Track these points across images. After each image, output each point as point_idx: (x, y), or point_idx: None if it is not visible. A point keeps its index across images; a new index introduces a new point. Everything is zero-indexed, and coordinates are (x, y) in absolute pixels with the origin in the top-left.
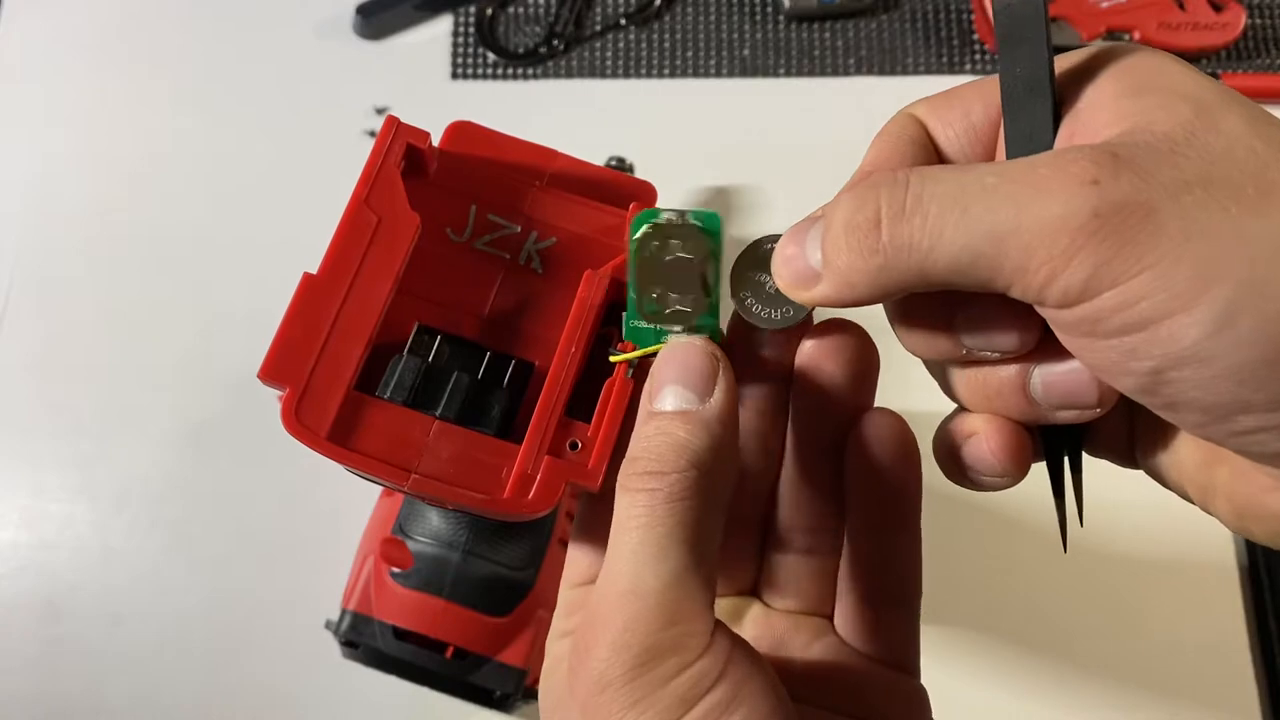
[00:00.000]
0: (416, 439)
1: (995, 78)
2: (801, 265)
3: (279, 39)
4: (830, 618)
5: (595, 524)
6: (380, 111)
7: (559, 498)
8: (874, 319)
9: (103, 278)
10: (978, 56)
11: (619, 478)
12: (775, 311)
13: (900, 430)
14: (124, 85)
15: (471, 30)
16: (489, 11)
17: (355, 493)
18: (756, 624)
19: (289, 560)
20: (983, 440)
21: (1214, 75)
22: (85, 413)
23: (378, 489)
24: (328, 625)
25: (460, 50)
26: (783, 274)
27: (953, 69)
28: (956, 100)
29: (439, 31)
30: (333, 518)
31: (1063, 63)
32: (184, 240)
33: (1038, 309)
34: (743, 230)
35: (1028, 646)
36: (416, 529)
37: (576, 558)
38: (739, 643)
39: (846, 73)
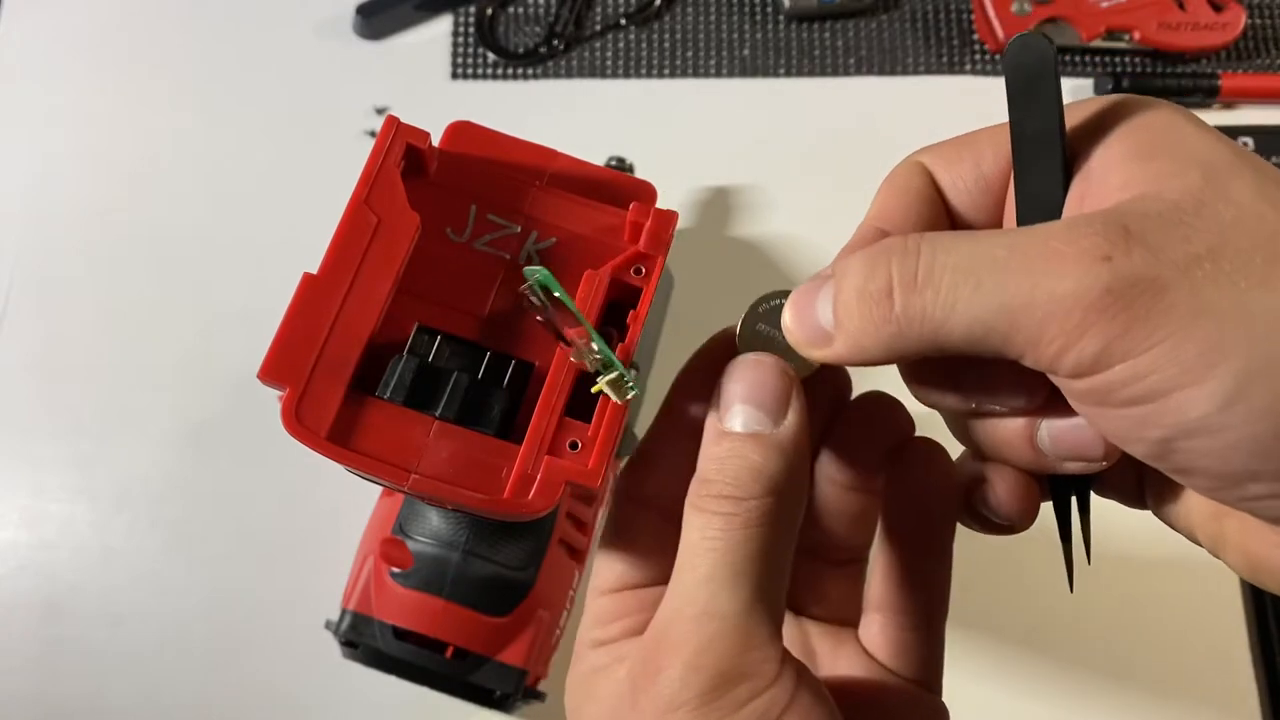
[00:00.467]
0: (416, 439)
1: (1006, 125)
2: (813, 326)
3: (279, 39)
4: (854, 626)
5: (628, 530)
6: (380, 111)
7: (559, 498)
8: None
9: (103, 278)
10: (978, 56)
11: (690, 497)
12: (789, 366)
13: (943, 462)
14: (124, 85)
15: (471, 30)
16: (489, 11)
17: (355, 493)
18: (786, 629)
19: (289, 560)
20: (990, 488)
21: (1214, 75)
22: (85, 413)
23: (378, 489)
24: (328, 625)
25: (460, 50)
26: (795, 333)
27: (953, 69)
28: (967, 150)
29: (439, 31)
30: (333, 518)
31: (1074, 114)
32: (184, 240)
33: (1049, 376)
34: (743, 230)
35: (1027, 646)
36: (416, 529)
37: (609, 565)
38: (805, 671)
39: (846, 73)
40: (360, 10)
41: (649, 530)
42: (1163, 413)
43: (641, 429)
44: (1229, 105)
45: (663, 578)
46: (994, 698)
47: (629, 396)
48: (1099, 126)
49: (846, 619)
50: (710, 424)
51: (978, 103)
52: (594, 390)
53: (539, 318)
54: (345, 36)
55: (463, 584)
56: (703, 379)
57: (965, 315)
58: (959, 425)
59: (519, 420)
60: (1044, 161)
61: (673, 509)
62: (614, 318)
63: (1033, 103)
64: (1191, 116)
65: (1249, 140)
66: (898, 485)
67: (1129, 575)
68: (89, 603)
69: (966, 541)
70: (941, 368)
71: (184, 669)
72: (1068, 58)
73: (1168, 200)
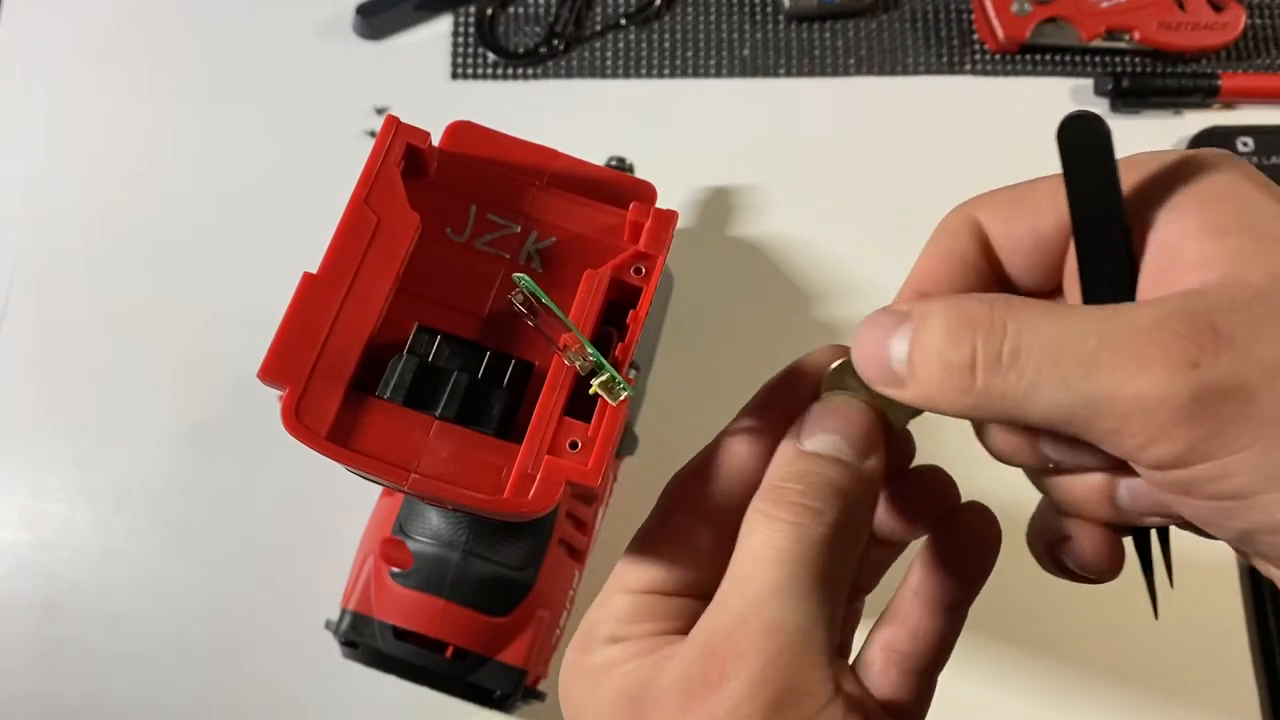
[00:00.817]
0: (416, 439)
1: (1056, 181)
2: (884, 365)
3: (279, 39)
4: (844, 657)
5: (670, 535)
6: (380, 111)
7: (559, 497)
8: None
9: (103, 278)
10: (978, 56)
11: (758, 503)
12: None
13: (994, 532)
14: (124, 85)
15: (471, 30)
16: (489, 11)
17: (355, 493)
18: None
19: (289, 560)
20: (1075, 543)
21: (1214, 75)
22: (85, 413)
23: (378, 489)
24: (328, 625)
25: (460, 50)
26: (867, 370)
27: (953, 69)
28: (1026, 206)
29: (439, 31)
30: (333, 518)
31: (1136, 171)
32: (184, 240)
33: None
34: (743, 230)
35: (1027, 646)
36: (416, 529)
37: (641, 565)
38: (855, 694)
39: (846, 73)
40: (360, 10)
41: (692, 538)
42: (1246, 509)
43: (643, 428)
44: (1229, 105)
45: (695, 589)
46: (992, 697)
47: (621, 398)
48: (1166, 189)
49: (841, 650)
50: (787, 445)
51: (978, 103)
52: (591, 392)
53: (530, 323)
54: (345, 36)
55: (463, 584)
56: (780, 399)
57: (1047, 401)
58: (1035, 477)
59: (519, 420)
60: (1105, 236)
61: (722, 521)
62: (614, 318)
63: (1089, 179)
64: (1262, 180)
65: (1249, 140)
66: (942, 543)
67: (1128, 574)
68: (89, 603)
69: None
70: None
71: (184, 669)
72: (1067, 58)
73: (1253, 287)
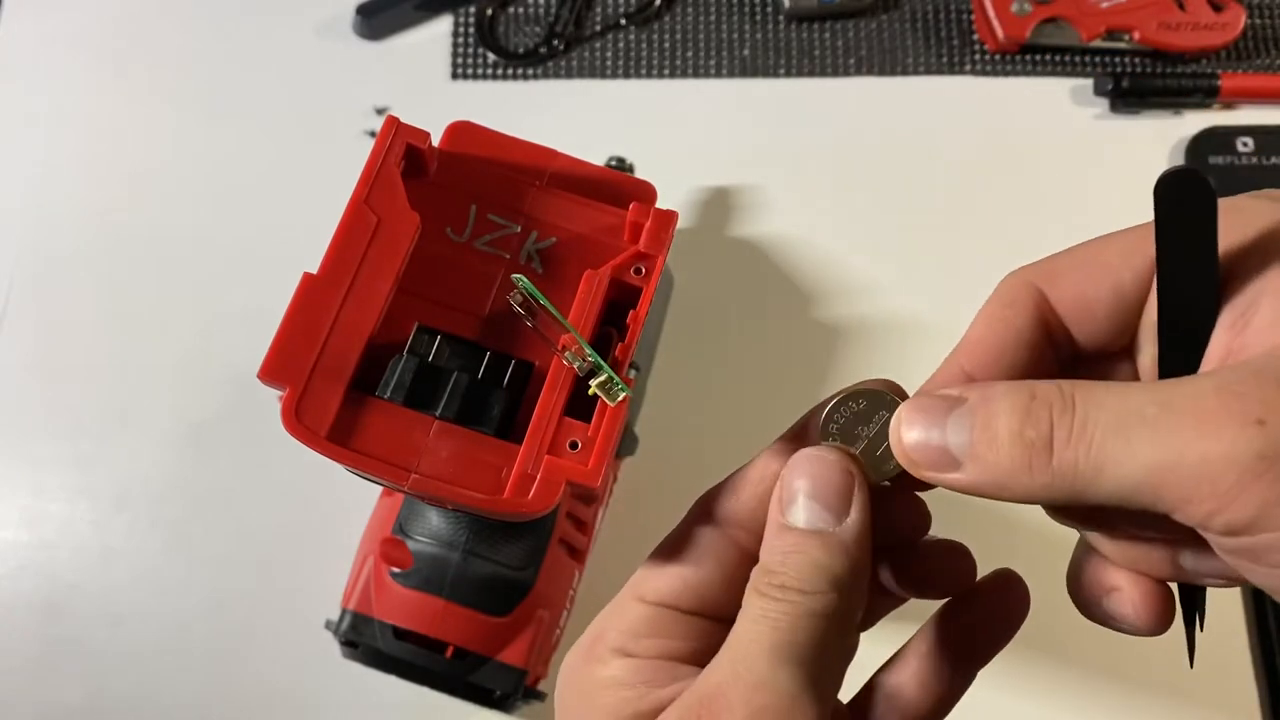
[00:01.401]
0: (416, 439)
1: (1126, 239)
2: (937, 449)
3: (279, 39)
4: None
5: (693, 547)
6: (380, 111)
7: (559, 497)
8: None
9: (103, 278)
10: (977, 57)
11: (754, 582)
12: (873, 469)
13: (1024, 604)
14: (124, 85)
15: (471, 30)
16: (489, 11)
17: (355, 493)
18: None
19: (289, 560)
20: (1126, 598)
21: (1214, 75)
22: (85, 413)
23: (378, 489)
24: (328, 625)
25: (460, 50)
26: (910, 452)
27: (953, 69)
28: (1098, 269)
29: (439, 31)
30: (333, 518)
31: (1233, 230)
32: (184, 240)
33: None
34: (743, 230)
35: (1026, 646)
36: (416, 529)
37: (660, 575)
38: None
39: (846, 73)
40: (360, 10)
41: (715, 552)
42: None
43: (644, 428)
44: (1229, 105)
45: (711, 608)
46: (991, 698)
47: (620, 399)
48: (1258, 252)
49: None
50: (773, 515)
51: (978, 103)
52: (590, 393)
53: (529, 324)
54: (345, 36)
55: (463, 584)
56: (806, 435)
57: (1115, 473)
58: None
59: (519, 420)
60: (1194, 304)
61: (746, 542)
62: (614, 318)
63: (1186, 242)
64: None
65: (1249, 140)
66: (964, 608)
67: None
68: (89, 603)
69: (966, 542)
70: None
71: (184, 669)
72: (1067, 58)
73: None
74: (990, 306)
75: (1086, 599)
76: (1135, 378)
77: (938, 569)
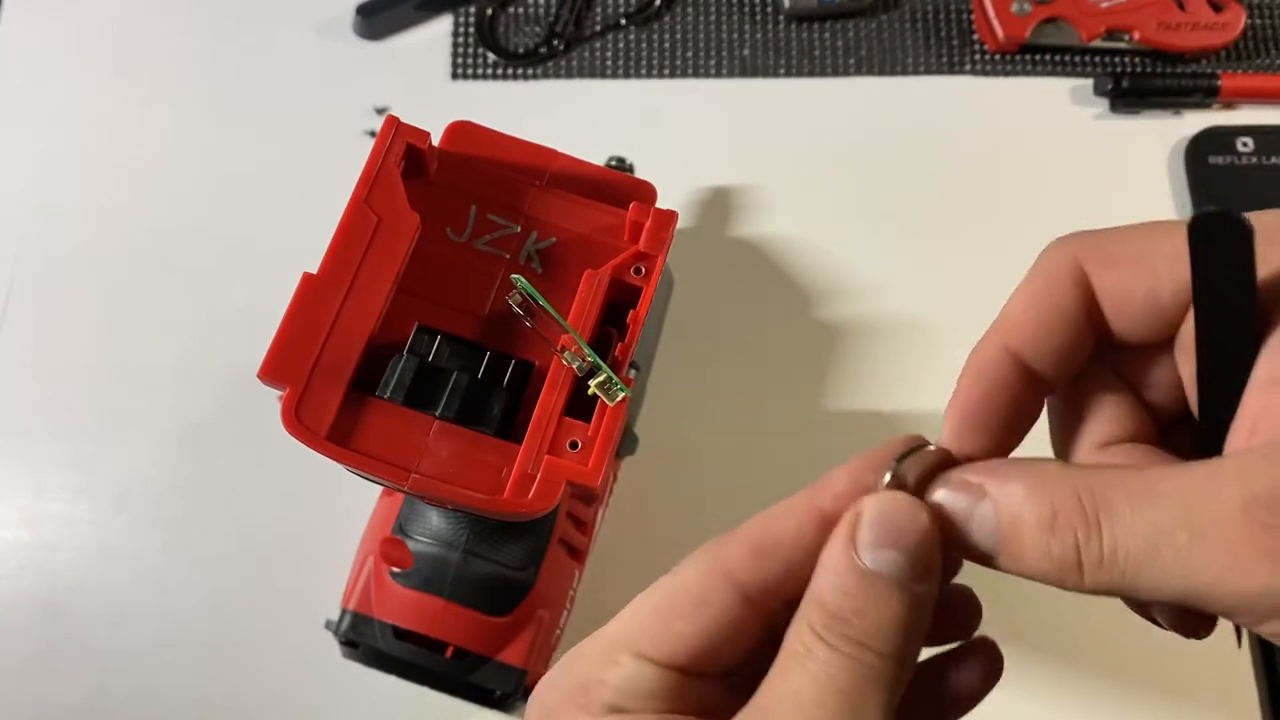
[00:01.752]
0: (416, 439)
1: (1180, 243)
2: (973, 543)
3: (279, 39)
4: None
5: (696, 601)
6: (380, 111)
7: (559, 497)
8: (889, 313)
9: (103, 278)
10: (977, 56)
11: (815, 624)
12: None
13: (997, 674)
14: (124, 85)
15: (471, 30)
16: (489, 11)
17: (355, 493)
18: None
19: (289, 560)
20: (1169, 613)
21: (1214, 75)
22: (85, 413)
23: (378, 489)
24: (328, 625)
25: (460, 50)
26: (954, 541)
27: (953, 69)
28: (1142, 269)
29: (439, 31)
30: (333, 518)
31: (1273, 263)
32: (184, 240)
33: None
34: (743, 230)
35: (1026, 645)
36: (416, 529)
37: (660, 628)
38: None
39: (846, 73)
40: (360, 10)
41: (727, 612)
42: None
43: (643, 428)
44: (1229, 105)
45: (715, 668)
46: (990, 697)
47: (619, 399)
48: None
49: None
50: (843, 552)
51: (978, 103)
52: (589, 393)
53: (528, 324)
54: (345, 36)
55: (463, 584)
56: (847, 483)
57: (1150, 590)
58: None
59: (519, 420)
60: (1231, 350)
61: (763, 601)
62: (614, 318)
63: (1221, 286)
64: None
65: (1249, 140)
66: (940, 665)
67: None
68: (89, 603)
69: None
70: None
71: (184, 669)
72: (1067, 58)
73: None
74: (1036, 283)
75: (1135, 603)
76: (1175, 379)
77: (947, 612)
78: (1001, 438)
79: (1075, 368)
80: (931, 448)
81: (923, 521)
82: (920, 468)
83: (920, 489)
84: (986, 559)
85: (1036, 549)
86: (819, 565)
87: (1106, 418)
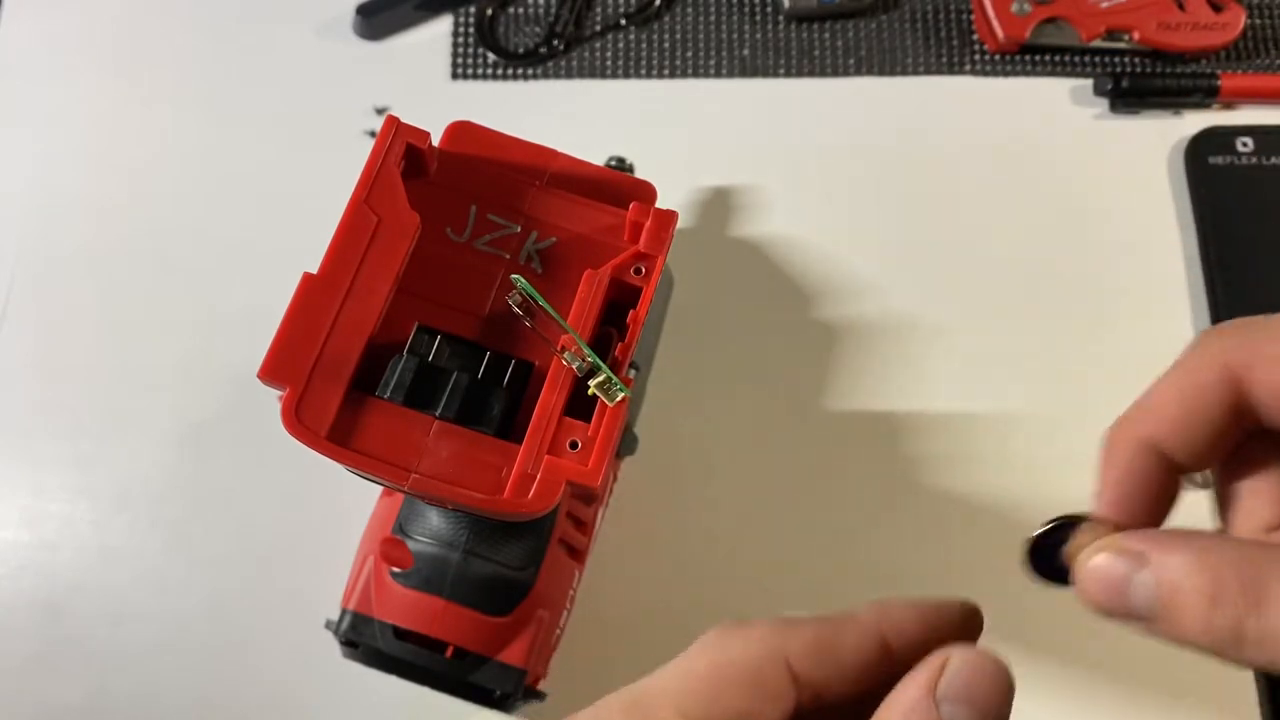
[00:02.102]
0: (416, 439)
1: None
2: (1128, 607)
3: (279, 39)
4: None
5: (741, 689)
6: (380, 111)
7: (559, 497)
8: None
9: (103, 278)
10: (977, 57)
11: None
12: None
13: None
14: (124, 85)
15: (471, 30)
16: (489, 11)
17: (355, 493)
18: None
19: (289, 560)
20: None
21: (1213, 75)
22: (85, 413)
23: (378, 489)
24: (328, 625)
25: (460, 50)
26: (1104, 605)
27: (953, 69)
28: None
29: (439, 31)
30: (333, 518)
31: None
32: (184, 240)
33: None
34: (743, 230)
35: (1025, 645)
36: (416, 529)
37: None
38: None
39: (846, 73)
40: (360, 10)
41: (781, 696)
42: None
43: (643, 428)
44: (1229, 105)
45: None
46: None
47: (618, 399)
48: None
49: None
50: (924, 698)
51: (977, 103)
52: (589, 393)
53: (527, 324)
54: (345, 36)
55: (463, 584)
56: (916, 628)
57: None
58: None
59: (519, 420)
60: None
61: (803, 692)
62: (614, 318)
63: None
64: None
65: (1249, 140)
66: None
67: None
68: (89, 603)
69: (967, 542)
70: None
71: (184, 669)
72: (1067, 58)
73: None
74: (1184, 376)
75: None
76: None
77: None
78: (1145, 521)
79: (1221, 456)
80: (1089, 518)
81: (1005, 685)
82: (1088, 535)
83: (1074, 553)
84: (1141, 623)
85: (1196, 620)
86: (893, 701)
87: (1271, 499)
